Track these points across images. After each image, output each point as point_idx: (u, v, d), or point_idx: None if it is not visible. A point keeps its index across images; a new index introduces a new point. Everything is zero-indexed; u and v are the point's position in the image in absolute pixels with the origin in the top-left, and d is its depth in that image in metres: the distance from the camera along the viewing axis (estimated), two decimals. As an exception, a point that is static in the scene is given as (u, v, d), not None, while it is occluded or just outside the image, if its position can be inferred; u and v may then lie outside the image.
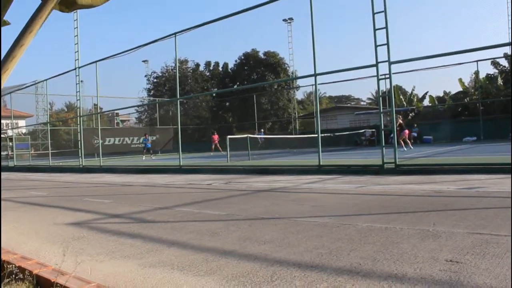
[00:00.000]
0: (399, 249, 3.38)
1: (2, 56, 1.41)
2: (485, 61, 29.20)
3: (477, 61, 27.54)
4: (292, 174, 11.50)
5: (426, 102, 35.48)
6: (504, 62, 31.02)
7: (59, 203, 7.83)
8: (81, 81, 21.36)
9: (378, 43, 10.11)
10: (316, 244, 3.69)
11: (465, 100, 31.28)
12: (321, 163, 11.42)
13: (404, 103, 33.43)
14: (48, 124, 29.68)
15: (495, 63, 31.16)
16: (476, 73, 29.84)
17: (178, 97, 16.35)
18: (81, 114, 21.79)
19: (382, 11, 9.92)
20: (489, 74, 31.40)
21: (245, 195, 7.74)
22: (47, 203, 7.92)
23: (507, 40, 28.36)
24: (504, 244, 3.39)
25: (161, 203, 7.03)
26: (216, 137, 32.84)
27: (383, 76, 10.21)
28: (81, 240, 4.35)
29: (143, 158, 28.01)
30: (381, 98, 10.31)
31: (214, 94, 44.17)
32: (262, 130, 38.15)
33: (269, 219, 5.01)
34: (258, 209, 5.85)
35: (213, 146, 31.42)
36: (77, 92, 20.20)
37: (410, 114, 33.00)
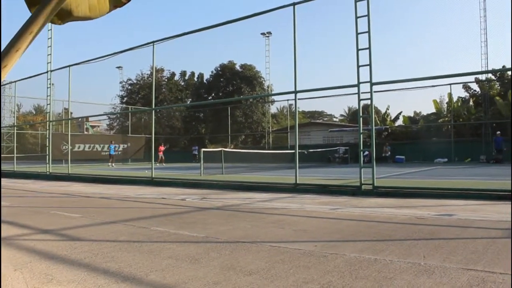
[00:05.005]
0: (394, 287, 3.19)
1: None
2: (457, 84, 29.97)
3: (450, 84, 28.13)
4: (268, 191, 11.27)
5: (399, 122, 36.00)
6: (474, 86, 31.94)
7: (24, 216, 7.39)
8: (52, 84, 20.78)
9: (360, 64, 10.06)
10: (305, 277, 3.46)
11: (439, 121, 31.90)
12: (297, 182, 11.25)
13: (378, 122, 33.80)
14: (15, 127, 28.73)
15: (466, 87, 31.98)
16: (450, 95, 30.51)
17: (154, 107, 15.97)
18: (51, 119, 21.07)
19: (366, 32, 9.89)
20: (461, 97, 32.19)
21: (222, 214, 7.47)
22: (10, 219, 7.47)
23: (478, 68, 29.18)
24: (502, 283, 3.24)
25: (135, 221, 6.71)
26: (162, 148, 32.65)
27: (364, 96, 10.13)
28: (51, 269, 4.01)
29: (112, 166, 27.74)
30: (361, 119, 10.23)
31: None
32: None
33: (251, 244, 4.76)
34: (238, 231, 5.60)
35: (159, 158, 31.24)
36: (47, 96, 19.58)
37: (384, 134, 33.36)
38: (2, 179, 19.13)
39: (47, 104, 20.47)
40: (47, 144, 20.13)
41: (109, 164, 28.71)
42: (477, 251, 4.32)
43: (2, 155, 38.36)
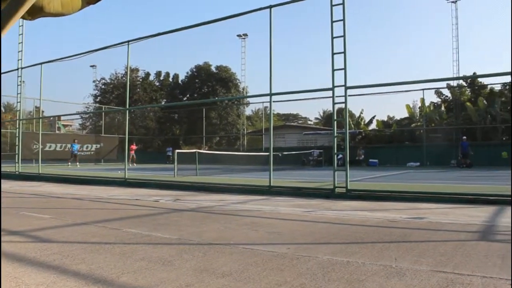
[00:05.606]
0: (366, 289, 3.23)
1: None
2: (430, 90, 30.60)
3: (423, 89, 28.67)
4: (242, 193, 11.26)
5: (373, 126, 36.49)
6: (446, 92, 32.67)
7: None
8: (23, 81, 20.30)
9: (335, 67, 10.15)
10: (278, 280, 3.47)
11: (411, 126, 32.48)
12: (271, 184, 11.27)
13: (352, 125, 34.17)
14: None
15: (438, 93, 32.69)
16: (422, 100, 31.12)
17: (128, 107, 15.78)
18: (21, 117, 20.60)
19: (342, 36, 9.98)
20: (433, 102, 32.87)
21: (196, 216, 7.43)
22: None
23: (450, 75, 29.79)
24: (469, 285, 3.30)
25: (107, 222, 6.61)
26: (134, 147, 32.43)
27: (339, 100, 10.22)
28: (18, 272, 3.92)
29: (77, 165, 27.51)
30: (335, 122, 10.32)
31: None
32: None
33: (224, 247, 4.74)
34: (211, 233, 5.57)
35: (131, 157, 31.01)
36: (18, 94, 19.14)
37: (358, 137, 33.74)
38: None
39: (17, 102, 19.99)
40: (17, 143, 19.65)
41: (69, 164, 28.45)
42: (446, 253, 4.40)
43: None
